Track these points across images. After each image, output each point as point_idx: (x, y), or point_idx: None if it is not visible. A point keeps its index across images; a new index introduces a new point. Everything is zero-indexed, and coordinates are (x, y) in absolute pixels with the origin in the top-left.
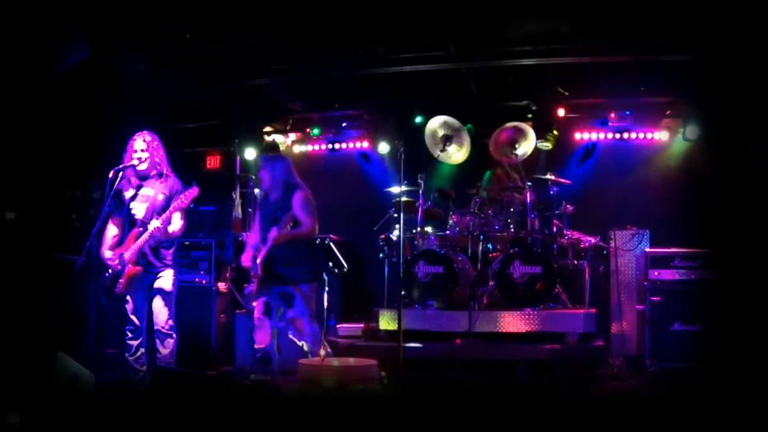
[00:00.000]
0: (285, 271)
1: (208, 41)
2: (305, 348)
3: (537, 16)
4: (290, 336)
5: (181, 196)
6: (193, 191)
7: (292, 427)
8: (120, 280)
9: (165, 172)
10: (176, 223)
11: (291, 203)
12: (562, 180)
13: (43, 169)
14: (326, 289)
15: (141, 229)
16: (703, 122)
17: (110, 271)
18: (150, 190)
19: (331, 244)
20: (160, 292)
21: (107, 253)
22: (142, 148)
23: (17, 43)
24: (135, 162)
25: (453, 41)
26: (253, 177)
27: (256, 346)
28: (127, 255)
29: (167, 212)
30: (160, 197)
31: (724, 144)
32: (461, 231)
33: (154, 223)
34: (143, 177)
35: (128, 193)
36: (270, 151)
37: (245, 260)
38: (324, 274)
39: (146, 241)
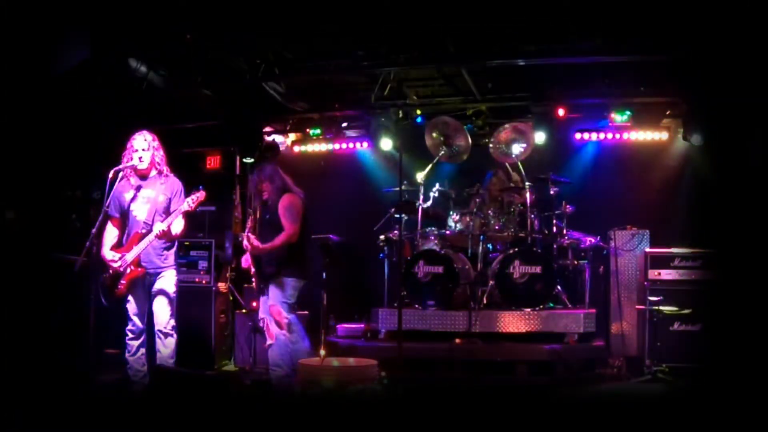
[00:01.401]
0: (267, 268)
1: (208, 41)
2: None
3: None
4: (260, 325)
5: (188, 199)
6: (201, 195)
7: (292, 427)
8: (121, 281)
9: (165, 172)
10: (178, 225)
11: (277, 207)
12: (562, 179)
13: (43, 169)
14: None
15: (144, 231)
16: (703, 122)
17: (110, 271)
18: (151, 191)
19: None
20: (162, 292)
21: (108, 254)
22: (143, 147)
23: (17, 43)
24: (135, 161)
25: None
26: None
27: (268, 342)
28: (129, 257)
29: (172, 215)
30: (162, 198)
31: (725, 144)
32: (461, 231)
33: (159, 226)
34: (143, 177)
35: (128, 195)
36: (267, 152)
37: (244, 261)
38: (324, 273)
39: (150, 243)
